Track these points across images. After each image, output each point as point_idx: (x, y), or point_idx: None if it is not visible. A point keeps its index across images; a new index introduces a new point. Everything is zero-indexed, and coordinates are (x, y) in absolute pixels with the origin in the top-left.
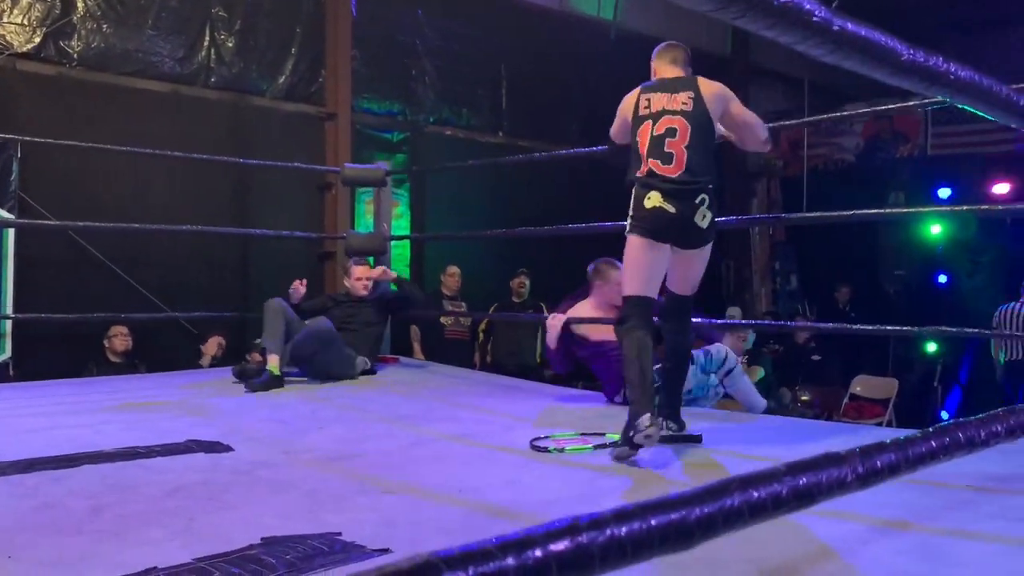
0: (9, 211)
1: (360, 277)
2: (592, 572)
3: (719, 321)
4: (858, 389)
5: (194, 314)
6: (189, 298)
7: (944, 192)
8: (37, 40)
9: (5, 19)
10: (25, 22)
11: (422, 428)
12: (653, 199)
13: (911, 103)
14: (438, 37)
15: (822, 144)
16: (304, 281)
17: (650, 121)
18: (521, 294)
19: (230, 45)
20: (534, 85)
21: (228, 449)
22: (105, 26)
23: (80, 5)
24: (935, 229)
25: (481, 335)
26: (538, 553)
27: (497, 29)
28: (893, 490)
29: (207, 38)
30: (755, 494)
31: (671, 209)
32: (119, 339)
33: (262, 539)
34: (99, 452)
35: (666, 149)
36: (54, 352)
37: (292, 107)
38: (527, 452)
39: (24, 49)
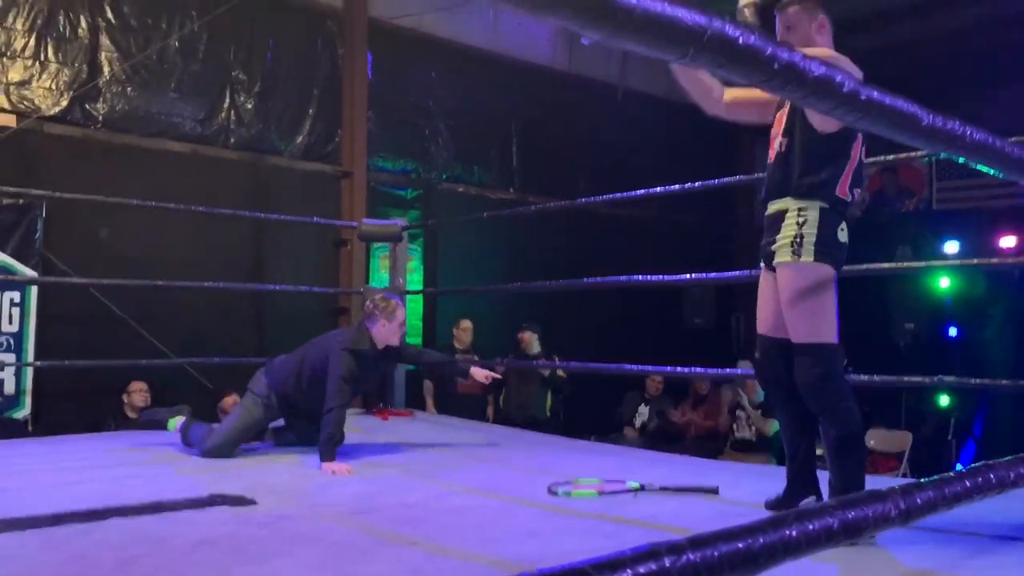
0: (33, 268)
1: (404, 322)
2: None
3: (732, 371)
4: (872, 443)
5: (214, 359)
6: (206, 353)
7: (951, 246)
8: (64, 103)
9: (34, 83)
10: (53, 86)
11: (440, 481)
12: (845, 234)
13: (916, 154)
14: (450, 97)
15: None
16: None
17: (861, 135)
18: (529, 346)
19: (249, 107)
20: (543, 143)
21: (252, 503)
22: (129, 89)
23: (106, 70)
24: (944, 282)
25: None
26: (628, 573)
27: (507, 89)
28: (917, 538)
29: (227, 100)
30: (810, 526)
31: (847, 245)
32: (138, 395)
33: None
34: (125, 506)
35: (862, 178)
36: (73, 408)
37: (309, 166)
38: (547, 504)
39: (52, 112)
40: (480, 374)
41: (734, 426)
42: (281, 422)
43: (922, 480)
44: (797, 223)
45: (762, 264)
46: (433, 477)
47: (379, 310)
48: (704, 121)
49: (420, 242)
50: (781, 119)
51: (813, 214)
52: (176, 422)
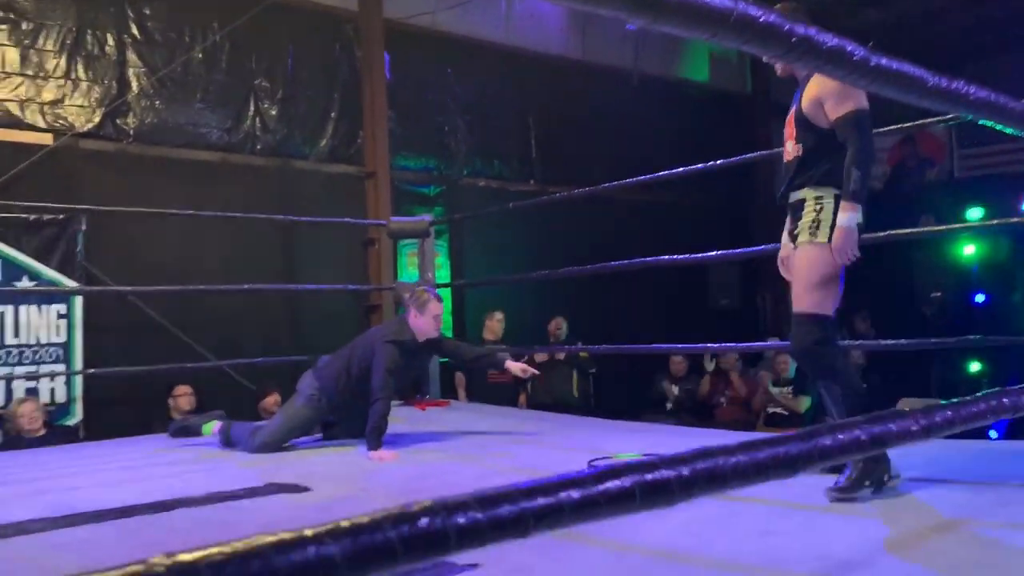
0: (76, 280)
1: (439, 315)
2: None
3: (763, 344)
4: None
5: (253, 360)
6: (245, 354)
7: (975, 212)
8: (96, 119)
9: (67, 101)
10: (85, 103)
11: (484, 462)
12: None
13: (933, 120)
14: (467, 93)
15: None
16: None
17: None
18: (558, 336)
19: (273, 113)
20: (561, 132)
21: (306, 490)
22: (157, 103)
23: (134, 84)
24: (968, 249)
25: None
26: (693, 466)
27: (523, 81)
28: (949, 491)
29: (251, 108)
30: (840, 436)
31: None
32: (184, 399)
33: None
34: (188, 498)
35: None
36: (122, 414)
37: (334, 168)
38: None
39: (85, 128)
40: (516, 367)
41: (766, 405)
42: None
43: (942, 402)
44: (815, 209)
45: (786, 241)
46: (476, 459)
47: (412, 302)
48: (720, 103)
49: (445, 238)
50: (791, 122)
51: (829, 201)
52: (212, 426)
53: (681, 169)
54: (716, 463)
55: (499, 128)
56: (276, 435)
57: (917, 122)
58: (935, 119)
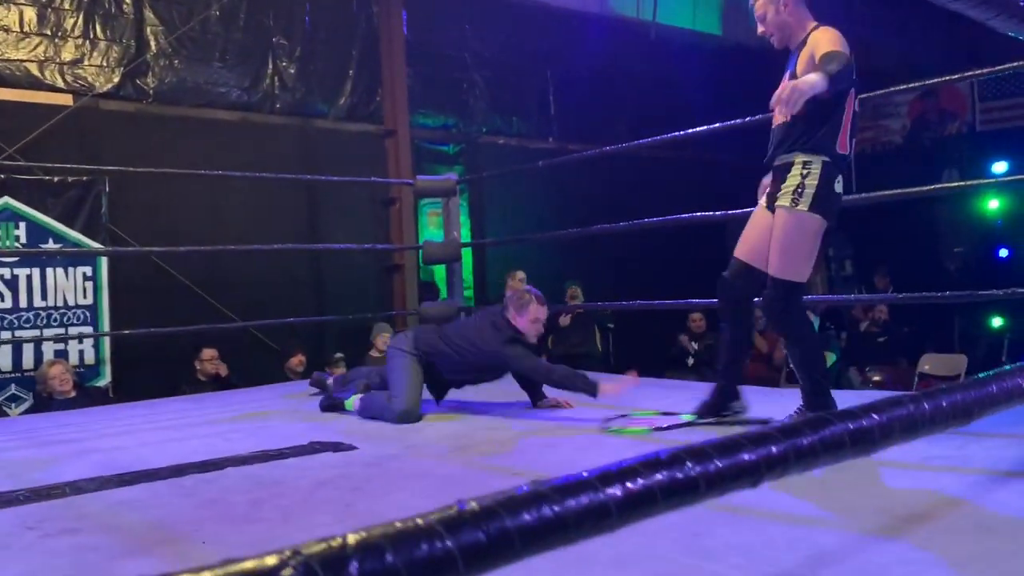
0: (101, 242)
1: (539, 319)
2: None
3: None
4: (927, 367)
5: (278, 321)
6: (269, 315)
7: (1000, 166)
8: (116, 80)
9: (86, 62)
10: (104, 63)
11: (521, 420)
12: (840, 186)
13: (956, 76)
14: (485, 49)
15: (867, 127)
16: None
17: (854, 90)
18: (575, 299)
19: (292, 72)
20: (580, 89)
21: (352, 447)
22: (176, 62)
23: (153, 44)
24: (993, 204)
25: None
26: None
27: (541, 37)
28: (1003, 446)
29: (270, 67)
30: (902, 412)
31: (842, 196)
32: (210, 362)
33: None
34: (236, 456)
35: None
36: (149, 374)
37: (353, 127)
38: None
39: (105, 89)
40: (611, 389)
41: (788, 359)
42: None
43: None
44: (801, 174)
45: (763, 202)
46: (512, 416)
47: (512, 301)
48: (740, 57)
49: (465, 196)
50: (781, 85)
51: (816, 167)
52: (354, 401)
53: (702, 128)
54: (769, 452)
55: (518, 85)
56: (410, 397)
57: (939, 79)
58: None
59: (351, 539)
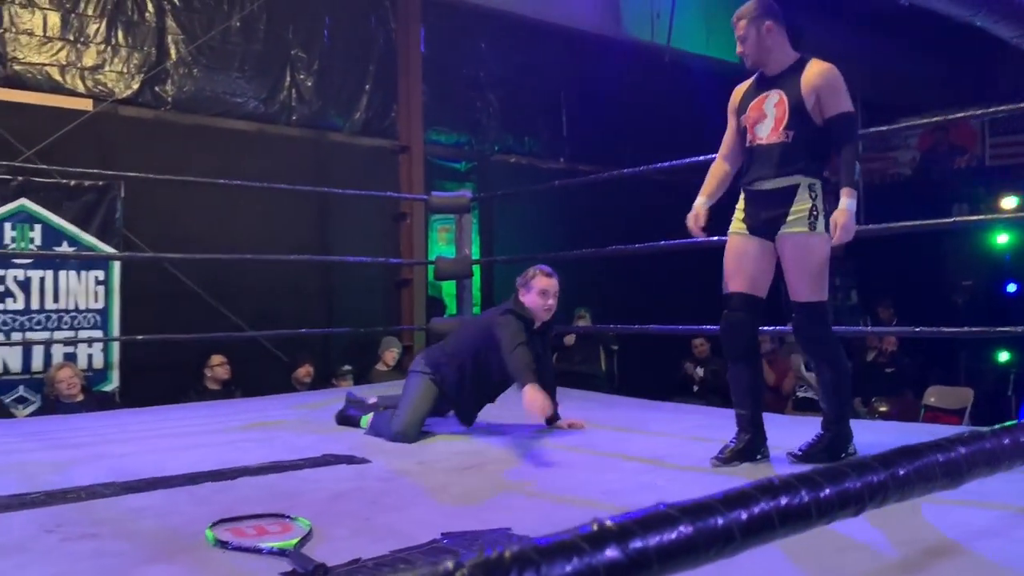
0: (115, 247)
1: (546, 291)
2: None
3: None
4: (932, 400)
5: (291, 331)
6: (278, 325)
7: (1009, 201)
8: (135, 86)
9: (107, 68)
10: (124, 70)
11: (532, 439)
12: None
13: (967, 114)
14: (501, 68)
15: (876, 159)
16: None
17: None
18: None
19: (309, 84)
20: (593, 111)
21: (365, 461)
22: (195, 71)
23: (172, 52)
24: (1002, 239)
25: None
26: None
27: (556, 58)
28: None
29: (288, 79)
30: (985, 445)
31: None
32: (220, 368)
33: (442, 534)
34: (249, 467)
35: None
36: (157, 381)
37: (368, 141)
38: (645, 458)
39: (124, 95)
40: (532, 402)
41: (797, 388)
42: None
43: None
44: (810, 197)
45: (743, 228)
46: (524, 436)
47: (520, 280)
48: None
49: (476, 214)
50: (760, 106)
51: (820, 190)
52: (368, 419)
53: (714, 156)
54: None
55: (531, 105)
56: (409, 419)
57: (949, 116)
58: (967, 113)
59: (507, 553)
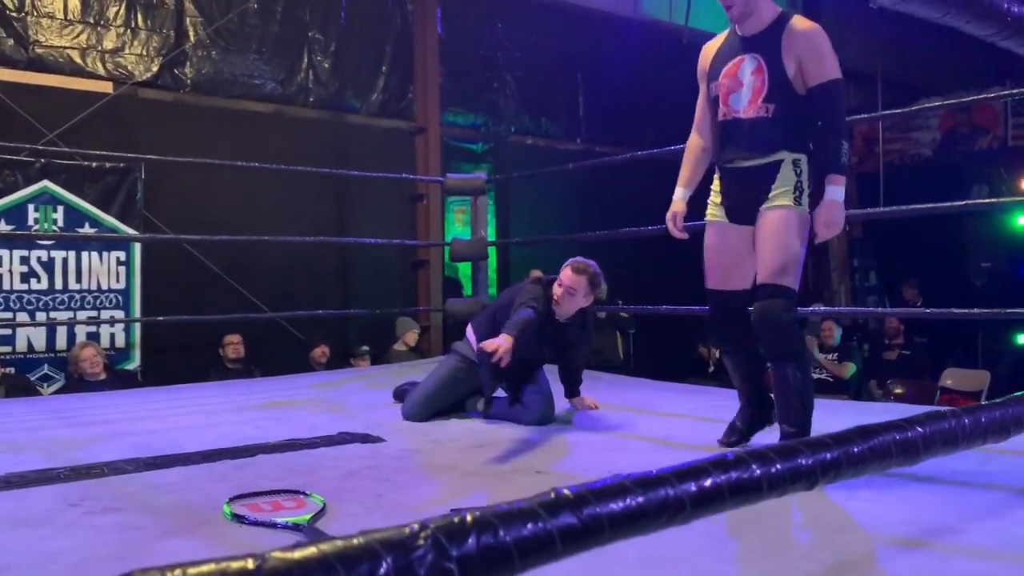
0: (135, 228)
1: (567, 287)
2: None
3: (821, 309)
4: (949, 382)
5: (304, 312)
6: (296, 305)
7: None
8: (155, 69)
9: (127, 50)
10: (143, 53)
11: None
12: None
13: (989, 96)
14: (517, 49)
15: (897, 140)
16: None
17: None
18: (599, 296)
19: (326, 66)
20: (610, 92)
21: (380, 439)
22: (214, 53)
23: (191, 35)
24: (1022, 220)
25: None
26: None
27: (573, 38)
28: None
29: (305, 61)
30: (944, 425)
31: None
32: (232, 347)
33: (452, 510)
34: (266, 444)
35: None
36: (177, 359)
37: (385, 122)
38: (657, 438)
39: (144, 78)
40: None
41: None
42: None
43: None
44: (795, 172)
45: (721, 214)
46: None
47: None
48: None
49: (491, 195)
50: (734, 73)
51: (806, 165)
52: None
53: None
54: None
55: (548, 86)
56: (419, 400)
57: (971, 97)
58: (989, 94)
59: (468, 517)
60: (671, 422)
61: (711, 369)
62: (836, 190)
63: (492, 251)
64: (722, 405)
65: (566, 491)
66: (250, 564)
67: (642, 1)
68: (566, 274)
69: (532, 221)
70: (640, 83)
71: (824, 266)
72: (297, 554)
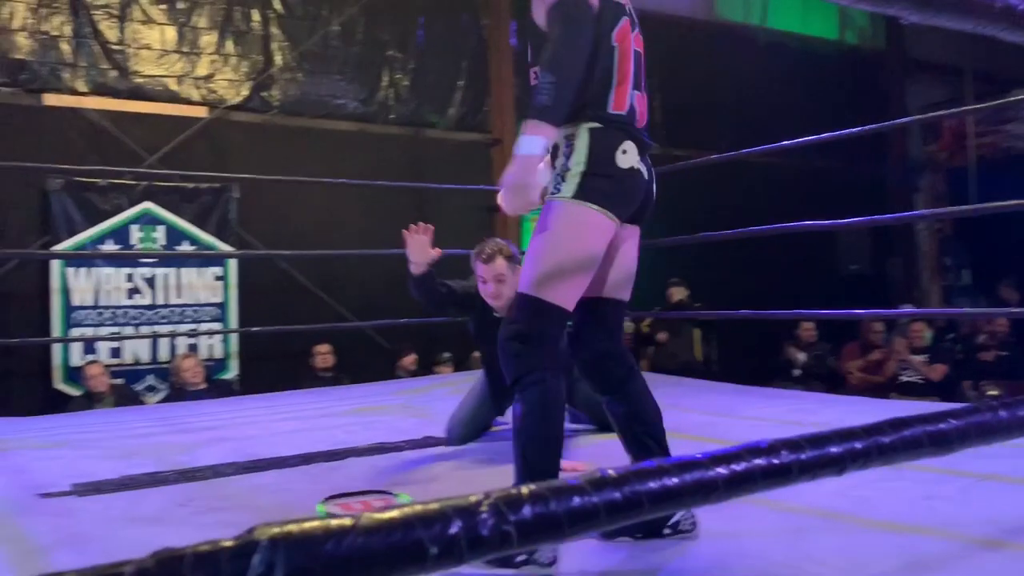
0: (230, 245)
1: (483, 279)
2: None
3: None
4: None
5: (393, 321)
6: (381, 315)
7: None
8: (245, 93)
9: (218, 76)
10: (234, 77)
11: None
12: (631, 155)
13: None
14: None
15: (989, 133)
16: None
17: (637, 32)
18: (679, 303)
19: (405, 84)
20: (687, 95)
21: None
22: (299, 76)
23: (278, 59)
24: None
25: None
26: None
27: (648, 43)
28: None
29: (385, 79)
30: (979, 418)
31: (644, 173)
32: (322, 357)
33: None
34: (356, 448)
35: (643, 82)
36: (272, 369)
37: (462, 136)
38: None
39: (235, 101)
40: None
41: (899, 372)
42: None
43: None
44: (564, 153)
45: None
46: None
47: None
48: (852, 61)
49: None
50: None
51: (582, 139)
52: None
53: (813, 137)
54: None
55: None
56: (462, 420)
57: None
58: None
59: (524, 490)
60: (748, 425)
61: (798, 372)
62: (524, 140)
63: None
64: (806, 408)
65: (611, 471)
66: (347, 522)
67: (718, 3)
68: (480, 268)
69: None
70: (718, 86)
71: (913, 265)
72: (386, 515)
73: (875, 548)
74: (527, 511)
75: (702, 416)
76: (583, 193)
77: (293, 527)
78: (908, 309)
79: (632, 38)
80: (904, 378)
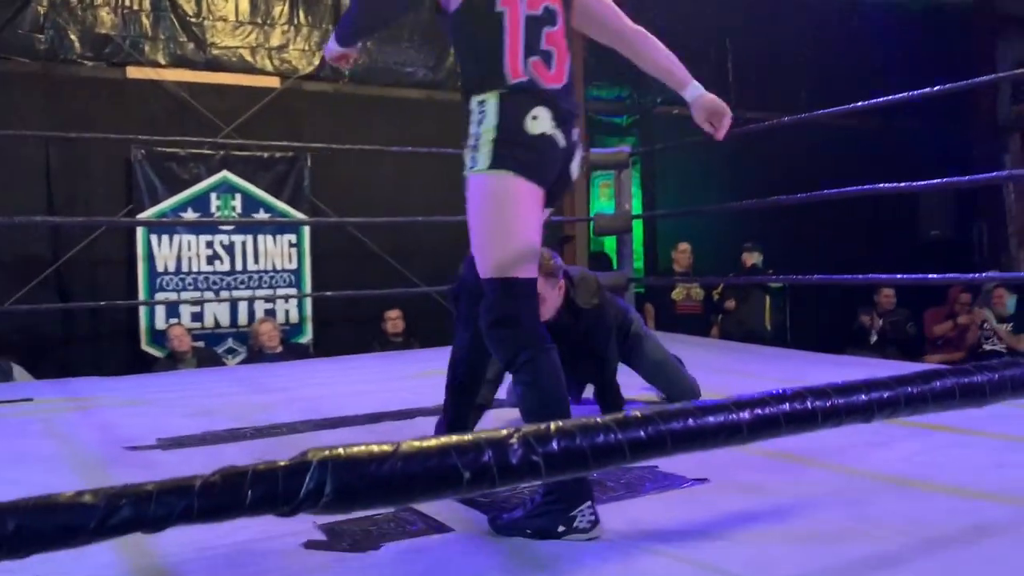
0: (304, 212)
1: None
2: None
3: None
4: None
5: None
6: (449, 281)
7: None
8: (316, 62)
9: (291, 46)
10: (306, 47)
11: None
12: (542, 121)
13: None
14: (662, 18)
15: None
16: None
17: None
18: (753, 266)
19: None
20: (760, 55)
21: None
22: (369, 44)
23: None
24: None
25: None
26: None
27: (719, 3)
28: None
29: (452, 47)
30: (1015, 371)
31: (561, 141)
32: (392, 322)
33: None
34: (423, 408)
35: (544, 45)
36: (345, 333)
37: None
38: None
39: (306, 71)
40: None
41: (982, 341)
42: None
43: None
44: (476, 121)
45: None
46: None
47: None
48: (936, 16)
49: (638, 168)
50: None
51: (491, 105)
52: None
53: (895, 96)
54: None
55: (694, 52)
56: None
57: None
58: None
59: (552, 426)
60: None
61: (874, 340)
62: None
63: (638, 224)
64: (876, 376)
65: (637, 411)
66: (388, 447)
67: None
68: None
69: (680, 193)
70: (792, 45)
71: (1000, 229)
72: (424, 443)
73: (936, 512)
74: (554, 445)
75: (771, 382)
76: (499, 161)
77: (341, 451)
78: (992, 273)
79: (524, 2)
80: (987, 347)
